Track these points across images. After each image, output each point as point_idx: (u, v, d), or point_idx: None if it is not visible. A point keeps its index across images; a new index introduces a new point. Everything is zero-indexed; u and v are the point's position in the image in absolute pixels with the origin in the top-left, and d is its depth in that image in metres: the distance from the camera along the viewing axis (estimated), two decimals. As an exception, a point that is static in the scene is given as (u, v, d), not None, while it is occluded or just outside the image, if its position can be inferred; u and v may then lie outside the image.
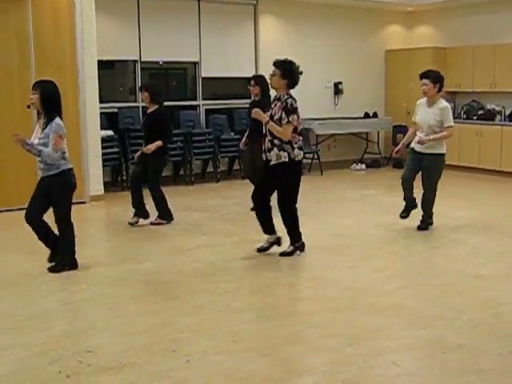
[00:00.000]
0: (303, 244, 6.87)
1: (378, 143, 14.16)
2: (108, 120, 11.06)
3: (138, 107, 11.49)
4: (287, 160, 6.46)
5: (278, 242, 6.89)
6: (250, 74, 12.47)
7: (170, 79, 12.73)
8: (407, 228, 8.10)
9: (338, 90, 13.66)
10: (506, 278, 6.21)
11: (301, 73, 6.59)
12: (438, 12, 13.98)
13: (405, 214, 8.02)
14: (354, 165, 13.60)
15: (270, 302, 5.49)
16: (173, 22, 11.63)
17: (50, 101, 6.06)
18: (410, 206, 8.02)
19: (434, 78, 7.67)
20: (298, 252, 6.82)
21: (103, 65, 10.44)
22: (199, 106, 12.25)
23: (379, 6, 13.70)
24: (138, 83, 11.42)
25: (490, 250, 7.18)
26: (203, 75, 12.14)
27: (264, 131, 6.59)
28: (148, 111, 8.32)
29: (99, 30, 9.98)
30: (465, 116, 13.32)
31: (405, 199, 8.01)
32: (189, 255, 6.97)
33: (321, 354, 4.41)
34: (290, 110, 6.38)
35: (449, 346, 4.53)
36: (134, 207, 8.25)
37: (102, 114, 10.27)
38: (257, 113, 6.55)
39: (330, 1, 12.78)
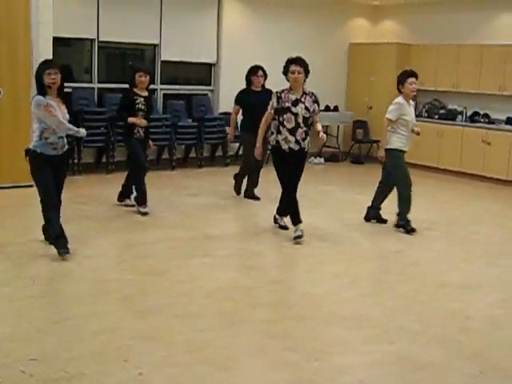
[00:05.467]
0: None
1: (337, 137, 13.91)
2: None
3: (94, 88, 11.01)
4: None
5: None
6: (212, 59, 12.21)
7: (128, 61, 12.24)
8: (369, 229, 7.90)
9: (300, 80, 13.36)
10: (472, 288, 6.04)
11: None
12: (404, 8, 13.80)
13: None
14: (313, 158, 13.32)
15: (228, 307, 5.18)
16: (133, 2, 11.15)
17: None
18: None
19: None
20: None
21: (58, 42, 9.91)
22: (157, 90, 11.81)
23: (346, -2, 13.45)
24: (95, 63, 10.97)
25: (455, 256, 7.02)
26: (163, 58, 11.71)
27: (294, 123, 6.99)
28: (144, 95, 8.12)
29: (56, 5, 9.46)
30: (426, 114, 13.20)
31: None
32: (142, 250, 6.62)
33: (283, 369, 4.13)
34: (319, 104, 7.21)
35: (417, 364, 4.32)
36: None
37: (55, 93, 9.78)
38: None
39: (296, -10, 12.46)
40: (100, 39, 10.94)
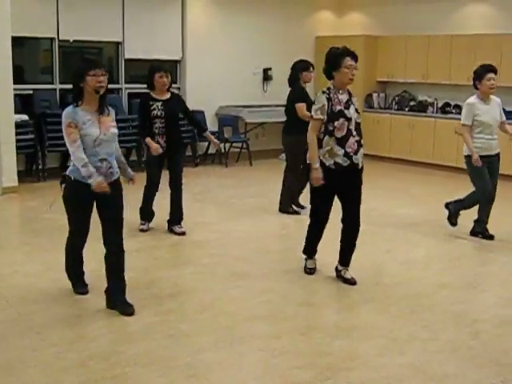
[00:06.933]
0: None
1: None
2: (22, 103, 10.04)
3: (56, 89, 10.51)
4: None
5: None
6: (177, 56, 11.79)
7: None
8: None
9: (267, 76, 13.02)
10: (472, 287, 5.78)
11: None
12: (369, -2, 13.54)
13: None
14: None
15: (224, 322, 4.79)
16: (95, -1, 10.71)
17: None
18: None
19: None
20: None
21: (16, 42, 9.38)
22: (121, 89, 11.35)
23: (310, -10, 13.12)
24: (56, 63, 10.47)
25: (447, 254, 6.75)
26: (126, 56, 11.24)
27: (345, 130, 5.48)
28: (163, 98, 7.00)
29: (13, 3, 8.94)
30: (396, 107, 12.94)
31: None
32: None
33: (296, 391, 3.78)
34: None
35: (435, 376, 4.04)
36: None
37: (15, 96, 9.27)
38: None
39: (260, -16, 12.10)
40: (60, 38, 10.45)
